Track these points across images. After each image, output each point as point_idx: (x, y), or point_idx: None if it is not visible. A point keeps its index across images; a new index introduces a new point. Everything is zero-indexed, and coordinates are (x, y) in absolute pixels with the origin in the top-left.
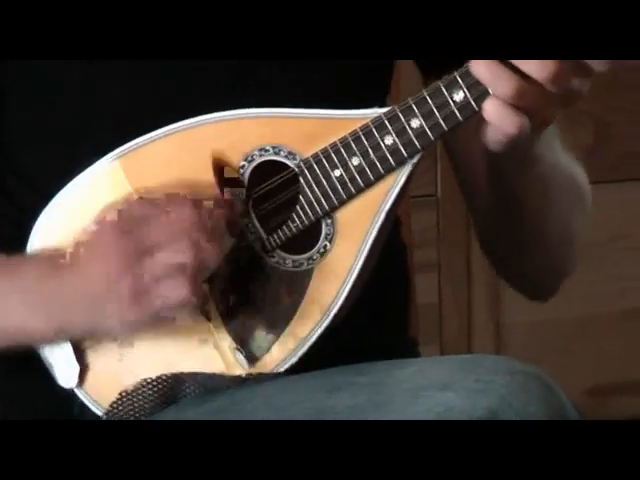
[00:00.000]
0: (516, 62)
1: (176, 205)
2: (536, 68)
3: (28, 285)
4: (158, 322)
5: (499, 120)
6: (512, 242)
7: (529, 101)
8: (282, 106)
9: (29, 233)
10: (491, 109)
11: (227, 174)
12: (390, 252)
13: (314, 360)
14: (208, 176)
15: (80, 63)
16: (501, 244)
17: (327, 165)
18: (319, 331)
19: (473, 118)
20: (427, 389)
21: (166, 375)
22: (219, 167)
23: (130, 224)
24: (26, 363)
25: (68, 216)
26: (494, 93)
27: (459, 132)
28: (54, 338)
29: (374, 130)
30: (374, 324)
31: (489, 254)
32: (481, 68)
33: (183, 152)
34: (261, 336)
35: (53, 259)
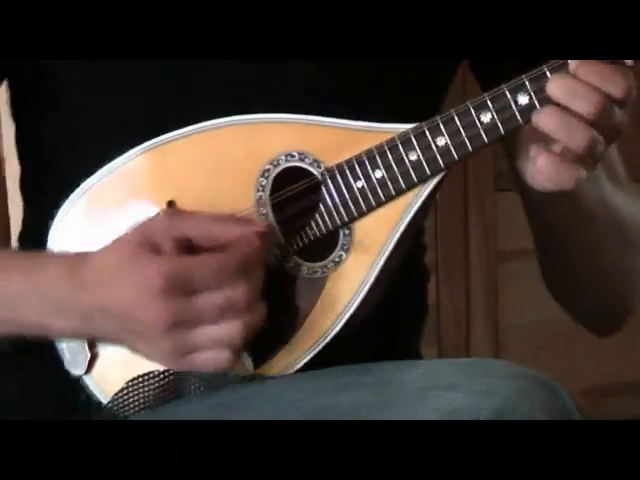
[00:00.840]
0: (567, 105)
1: (235, 276)
2: (582, 105)
3: (47, 286)
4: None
5: (557, 176)
6: (564, 279)
7: (578, 145)
8: (312, 113)
9: (47, 230)
10: (547, 165)
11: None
12: (410, 276)
13: (320, 365)
14: (240, 181)
15: (110, 64)
16: (554, 281)
17: (350, 176)
18: (326, 340)
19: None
20: (433, 389)
21: (171, 370)
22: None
23: (184, 287)
24: (33, 354)
25: (89, 212)
26: (568, 145)
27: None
28: (70, 337)
29: (399, 145)
30: (385, 337)
31: (549, 289)
32: (546, 118)
33: (210, 151)
34: (269, 341)
35: (75, 264)
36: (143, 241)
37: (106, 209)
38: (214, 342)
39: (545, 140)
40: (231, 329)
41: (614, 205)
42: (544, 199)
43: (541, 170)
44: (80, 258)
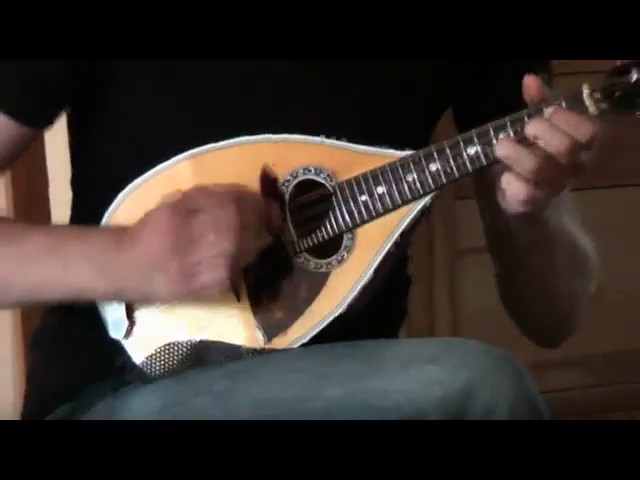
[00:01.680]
0: (536, 142)
1: (226, 201)
2: (553, 145)
3: (93, 252)
4: (198, 296)
5: (515, 193)
6: (524, 296)
7: (545, 175)
8: (330, 136)
9: (102, 215)
10: (509, 183)
11: (270, 185)
12: (396, 277)
13: (320, 342)
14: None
15: (157, 86)
16: (515, 297)
17: (356, 190)
18: (325, 324)
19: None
20: (416, 362)
21: (195, 340)
22: (266, 176)
23: (185, 212)
24: (83, 320)
25: (138, 203)
26: (516, 170)
27: (488, 191)
28: (112, 298)
29: (399, 168)
30: (371, 328)
31: (505, 304)
32: (503, 148)
33: (242, 161)
34: (279, 320)
35: (116, 233)
36: (172, 207)
37: (152, 202)
38: (212, 257)
39: (522, 171)
40: (224, 243)
41: (570, 233)
42: (515, 222)
43: (503, 186)
44: (121, 228)
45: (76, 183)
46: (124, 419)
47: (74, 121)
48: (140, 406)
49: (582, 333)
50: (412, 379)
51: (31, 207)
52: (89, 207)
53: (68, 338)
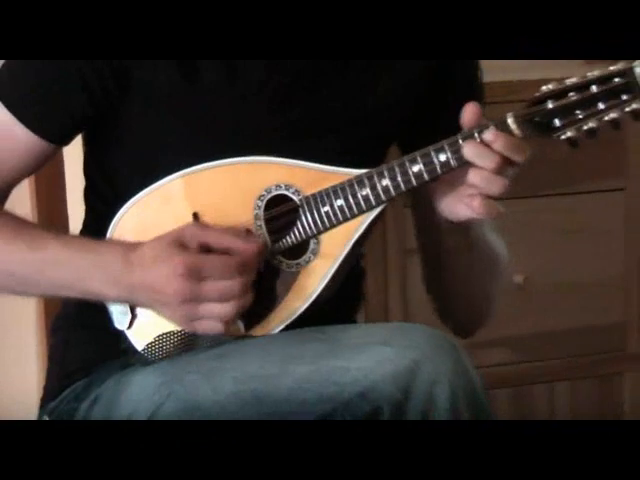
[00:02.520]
0: (490, 143)
1: (232, 271)
2: (486, 164)
3: (104, 264)
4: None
5: (486, 184)
6: (447, 291)
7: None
8: (299, 158)
9: (109, 225)
10: (476, 177)
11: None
12: (353, 273)
13: (292, 328)
14: (243, 202)
15: (158, 116)
16: (439, 292)
17: (319, 203)
18: (297, 314)
19: (430, 200)
20: (371, 344)
21: (188, 330)
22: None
23: (196, 273)
24: (91, 313)
25: (137, 218)
26: (483, 166)
27: (426, 212)
28: (121, 302)
29: (355, 184)
30: (333, 317)
31: (431, 298)
32: (468, 149)
33: (225, 179)
34: (257, 312)
35: (127, 251)
36: (176, 240)
37: (150, 215)
38: (213, 315)
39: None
40: (226, 308)
41: (487, 238)
42: (451, 228)
43: (473, 206)
44: (132, 246)
45: (88, 195)
46: (129, 395)
47: (88, 140)
48: (142, 382)
49: (510, 317)
50: (368, 358)
51: (51, 213)
52: (99, 217)
53: (84, 323)
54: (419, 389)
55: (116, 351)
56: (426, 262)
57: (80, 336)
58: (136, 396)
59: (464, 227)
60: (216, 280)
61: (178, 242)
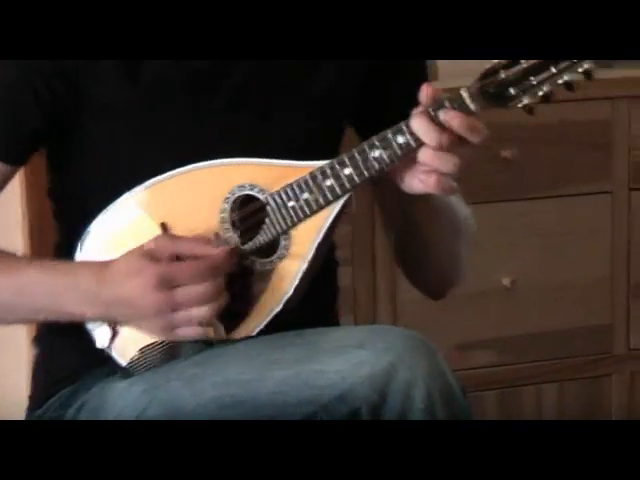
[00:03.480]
0: (446, 123)
1: (203, 276)
2: (434, 139)
3: (81, 284)
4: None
5: (436, 161)
6: (414, 258)
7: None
8: (258, 156)
9: (76, 245)
10: (427, 155)
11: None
12: (327, 264)
13: (271, 331)
14: (210, 207)
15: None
16: (408, 259)
17: (285, 198)
18: (276, 311)
19: (390, 176)
20: (347, 347)
21: (168, 340)
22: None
23: (168, 283)
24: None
25: (106, 236)
26: (429, 142)
27: (383, 182)
28: (98, 320)
29: (318, 175)
30: (311, 311)
31: (401, 266)
32: (415, 124)
33: (189, 186)
34: (237, 314)
35: (100, 269)
36: (146, 253)
37: (118, 231)
38: (190, 321)
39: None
40: (201, 312)
41: (451, 204)
42: (412, 199)
43: (427, 183)
44: (104, 264)
45: (57, 216)
46: (110, 401)
47: (50, 162)
48: (126, 389)
49: (498, 319)
50: (345, 361)
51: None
52: (70, 237)
53: (68, 331)
54: (395, 391)
55: (101, 358)
56: (392, 233)
57: (65, 344)
58: (120, 403)
59: (425, 197)
60: (189, 286)
61: (149, 254)
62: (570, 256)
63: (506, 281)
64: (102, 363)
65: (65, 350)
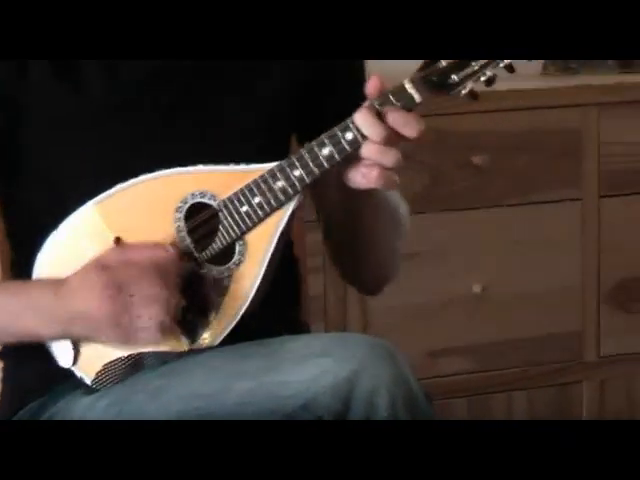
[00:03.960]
0: (383, 117)
1: (149, 273)
2: (377, 134)
3: (38, 303)
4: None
5: (378, 156)
6: (350, 253)
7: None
8: (207, 163)
9: (32, 263)
10: (370, 150)
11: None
12: (285, 263)
13: (233, 340)
14: (162, 217)
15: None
16: (343, 254)
17: (237, 203)
18: (237, 318)
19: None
20: (310, 356)
21: (134, 353)
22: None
23: (116, 285)
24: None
25: (60, 252)
26: (371, 137)
27: (322, 180)
28: (58, 339)
29: (269, 178)
30: (275, 312)
31: (334, 260)
32: (359, 119)
33: (140, 198)
34: (198, 324)
35: (56, 286)
36: (97, 265)
37: (71, 248)
38: (147, 323)
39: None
40: (156, 311)
41: (392, 201)
42: (353, 196)
43: (370, 178)
44: (58, 281)
45: (10, 235)
46: (78, 415)
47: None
48: (92, 402)
49: (468, 326)
50: (308, 371)
51: None
52: (25, 256)
53: (36, 345)
54: (358, 399)
55: (67, 373)
56: (328, 229)
57: (31, 358)
58: (87, 416)
59: (366, 192)
60: (139, 287)
61: (100, 266)
62: (540, 263)
63: (477, 288)
64: (68, 377)
65: (31, 364)
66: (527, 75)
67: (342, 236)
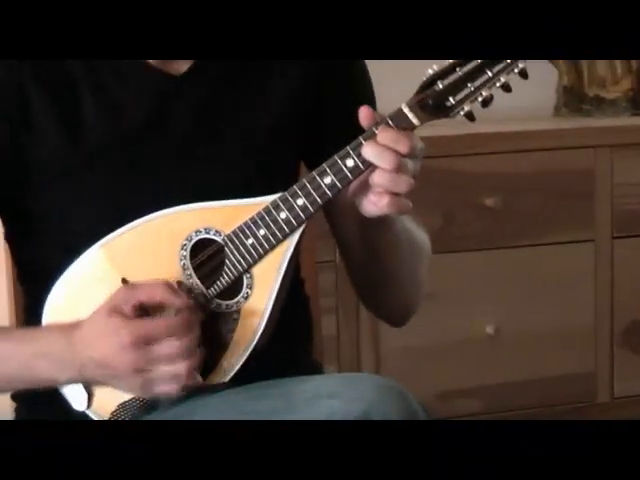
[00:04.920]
0: (387, 143)
1: (176, 331)
2: (384, 163)
3: (51, 350)
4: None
5: (390, 183)
6: (374, 285)
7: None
8: (208, 200)
9: (42, 309)
10: (380, 177)
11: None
12: (296, 302)
13: (244, 376)
14: (168, 256)
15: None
16: (367, 287)
17: (242, 237)
18: (247, 353)
19: (346, 201)
20: (319, 398)
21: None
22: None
23: (140, 342)
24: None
25: (68, 296)
26: (381, 166)
27: (339, 208)
28: (73, 383)
29: (272, 210)
30: (286, 351)
31: (360, 294)
32: (367, 152)
33: (144, 237)
34: (209, 360)
35: (69, 332)
36: (111, 310)
37: (80, 291)
38: (168, 378)
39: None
40: (179, 368)
41: (409, 229)
42: (371, 227)
43: (382, 206)
44: (72, 326)
45: (22, 280)
46: None
47: (6, 229)
48: None
49: (481, 367)
50: (317, 413)
51: None
52: (36, 301)
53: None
54: None
55: (80, 414)
56: (351, 264)
57: (44, 399)
58: None
59: (383, 222)
60: (165, 342)
61: (114, 310)
62: (554, 304)
63: (490, 329)
64: (82, 418)
65: (44, 405)
66: (539, 117)
67: (364, 268)
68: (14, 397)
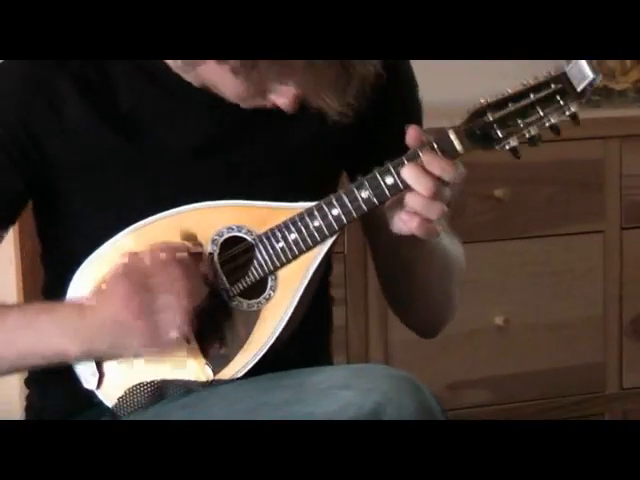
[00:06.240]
0: (429, 168)
1: (169, 264)
2: (442, 172)
3: (60, 321)
4: (162, 348)
5: (423, 208)
6: (406, 299)
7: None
8: (246, 198)
9: (67, 287)
10: (414, 201)
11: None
12: (320, 304)
13: (256, 374)
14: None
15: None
16: (399, 300)
17: (273, 239)
18: (262, 353)
19: (380, 215)
20: (332, 389)
21: (157, 380)
22: (189, 239)
23: (138, 278)
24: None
25: (93, 277)
26: (417, 190)
27: (376, 222)
28: (84, 358)
29: (306, 216)
30: (303, 352)
31: (391, 306)
32: (406, 173)
33: (176, 228)
34: (223, 355)
35: (78, 300)
36: (117, 270)
37: (106, 272)
38: (172, 314)
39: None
40: (180, 301)
41: (444, 246)
42: (405, 241)
43: (411, 227)
44: (83, 297)
45: (45, 259)
46: None
47: (36, 210)
48: None
49: (491, 358)
50: (331, 403)
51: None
52: (57, 280)
53: (59, 373)
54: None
55: (91, 401)
56: (383, 274)
57: (55, 386)
58: None
59: (417, 239)
60: (158, 275)
61: (116, 273)
62: (563, 295)
63: (499, 320)
64: (92, 405)
65: (55, 392)
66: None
67: (395, 279)
68: (26, 382)
